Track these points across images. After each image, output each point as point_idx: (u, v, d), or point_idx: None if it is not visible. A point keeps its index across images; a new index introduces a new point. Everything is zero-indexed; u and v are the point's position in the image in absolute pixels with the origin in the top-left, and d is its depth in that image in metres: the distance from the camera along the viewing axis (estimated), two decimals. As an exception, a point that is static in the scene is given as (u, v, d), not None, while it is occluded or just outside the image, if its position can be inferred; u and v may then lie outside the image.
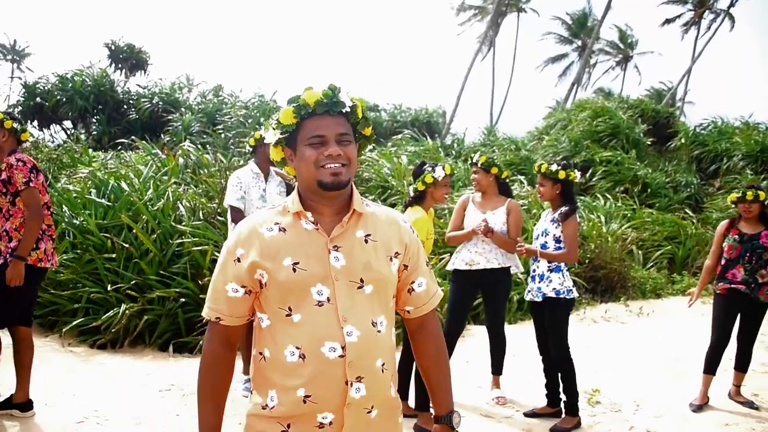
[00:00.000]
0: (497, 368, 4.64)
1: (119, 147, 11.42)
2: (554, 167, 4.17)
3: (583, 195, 12.19)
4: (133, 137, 12.20)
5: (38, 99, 13.52)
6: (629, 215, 11.02)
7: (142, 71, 16.61)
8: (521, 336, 6.13)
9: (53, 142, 12.81)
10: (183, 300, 5.97)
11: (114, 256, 6.27)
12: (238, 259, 1.59)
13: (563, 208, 4.15)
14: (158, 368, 5.23)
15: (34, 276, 3.82)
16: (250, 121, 12.43)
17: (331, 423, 1.55)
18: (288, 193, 4.86)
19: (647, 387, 5.01)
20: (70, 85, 13.51)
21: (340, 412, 1.55)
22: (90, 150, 10.98)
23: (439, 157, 13.32)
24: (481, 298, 4.74)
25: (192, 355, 5.74)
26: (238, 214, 4.60)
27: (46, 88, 13.70)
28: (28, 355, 3.85)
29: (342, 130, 1.59)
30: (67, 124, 14.12)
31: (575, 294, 4.14)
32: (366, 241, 1.62)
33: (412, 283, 1.71)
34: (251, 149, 4.83)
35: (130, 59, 16.22)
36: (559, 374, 4.18)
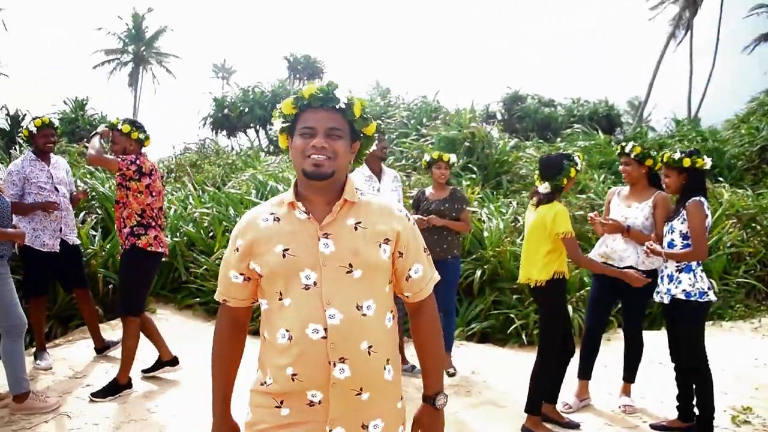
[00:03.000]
0: (629, 375, 4.27)
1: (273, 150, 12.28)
2: (677, 155, 3.76)
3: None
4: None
5: (226, 111, 15.07)
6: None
7: (318, 79, 17.74)
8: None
9: (232, 148, 14.18)
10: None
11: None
12: (237, 249, 1.72)
13: (694, 198, 3.71)
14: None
15: (147, 259, 4.26)
16: (412, 122, 12.70)
17: (320, 402, 1.63)
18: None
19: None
20: (251, 96, 14.90)
21: (326, 390, 1.62)
22: (263, 155, 11.95)
23: (610, 151, 12.57)
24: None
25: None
26: None
27: (231, 100, 15.24)
28: (130, 344, 4.22)
29: (332, 124, 1.67)
30: (251, 132, 15.56)
31: (711, 297, 3.67)
32: (356, 228, 1.69)
33: (409, 269, 1.76)
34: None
35: (307, 69, 17.45)
36: (694, 386, 3.76)
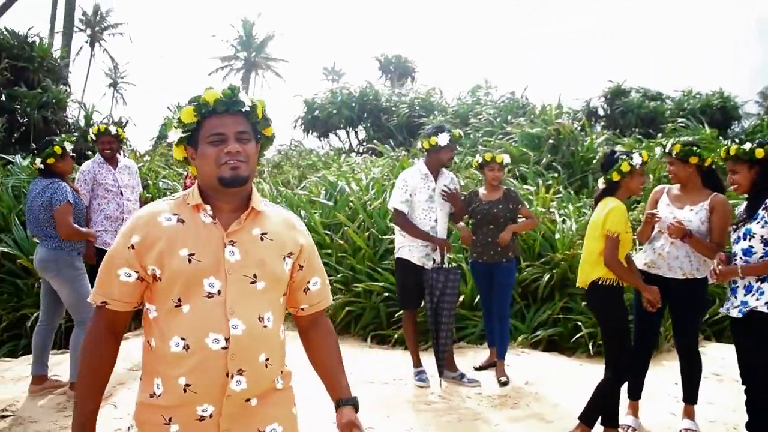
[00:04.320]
0: (689, 395, 3.86)
1: (370, 151, 12.33)
2: (748, 145, 3.33)
3: None
4: (390, 141, 13.08)
5: (316, 112, 15.38)
6: None
7: (410, 79, 17.77)
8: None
9: (322, 149, 14.46)
10: (387, 294, 6.21)
11: (330, 251, 6.79)
12: (132, 246, 1.61)
13: None
14: (348, 356, 5.48)
15: None
16: (498, 119, 12.35)
17: (211, 416, 1.59)
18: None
19: None
20: (339, 98, 15.10)
21: (219, 403, 1.59)
22: (353, 155, 12.06)
23: (717, 146, 11.56)
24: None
25: (389, 347, 5.94)
26: (401, 217, 4.60)
27: (321, 102, 15.52)
28: None
29: (241, 128, 1.65)
30: (342, 133, 15.78)
31: None
32: (262, 239, 1.68)
33: (308, 282, 1.78)
34: (425, 151, 4.77)
35: (398, 69, 17.48)
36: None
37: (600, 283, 3.56)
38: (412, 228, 4.56)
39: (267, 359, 1.63)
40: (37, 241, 4.33)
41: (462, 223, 4.96)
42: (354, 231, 6.76)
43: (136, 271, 1.62)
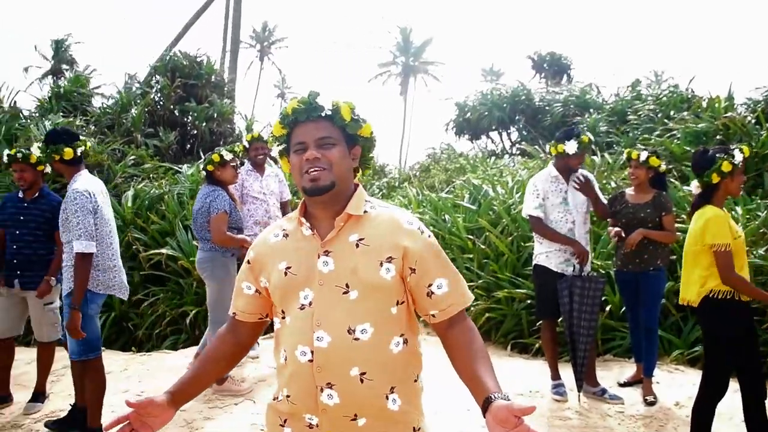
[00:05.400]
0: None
1: (521, 153, 12.02)
2: None
3: None
4: (540, 142, 12.68)
5: (467, 114, 15.31)
6: None
7: (566, 76, 17.06)
8: None
9: (474, 151, 14.34)
10: (529, 302, 6.03)
11: (472, 256, 6.74)
12: (249, 261, 1.72)
13: None
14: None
15: None
16: (659, 115, 11.47)
17: (318, 425, 1.58)
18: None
19: None
20: (489, 99, 14.90)
21: (318, 415, 1.57)
22: (492, 158, 11.87)
23: None
24: None
25: (529, 357, 5.76)
26: (538, 223, 4.45)
27: (472, 104, 15.42)
28: None
29: (322, 134, 1.60)
30: (495, 135, 15.57)
31: None
32: (357, 246, 1.59)
33: (429, 285, 1.60)
34: (554, 155, 4.58)
35: (552, 67, 16.86)
36: None
37: (711, 297, 3.25)
38: (550, 232, 4.40)
39: (363, 374, 1.54)
40: (197, 244, 4.74)
41: (617, 229, 4.63)
42: (497, 236, 6.65)
43: (253, 285, 1.70)
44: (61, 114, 10.17)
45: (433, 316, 1.62)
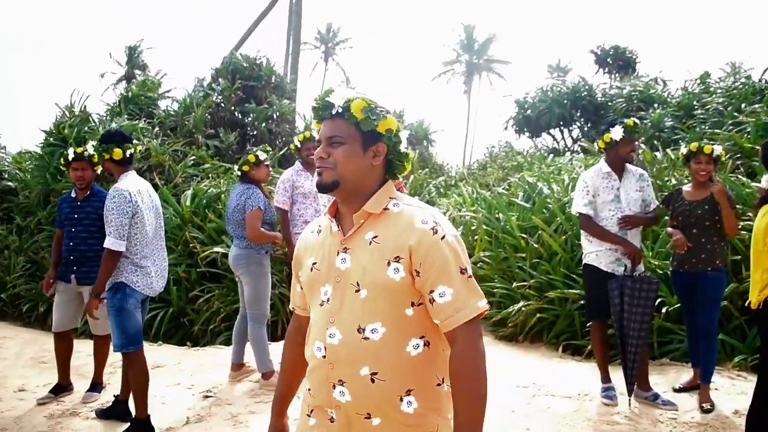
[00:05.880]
0: None
1: (582, 150, 11.67)
2: None
3: None
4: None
5: (528, 112, 15.01)
6: None
7: (631, 70, 16.43)
8: None
9: (532, 149, 14.04)
10: (582, 302, 5.85)
11: (525, 255, 6.60)
12: (294, 258, 1.77)
13: None
14: (535, 365, 5.30)
15: None
16: (729, 108, 10.91)
17: (336, 419, 1.61)
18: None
19: None
20: (549, 95, 14.56)
21: (335, 411, 1.60)
22: (550, 156, 11.60)
23: None
24: None
25: (581, 359, 5.60)
26: (587, 221, 4.31)
27: (532, 101, 15.11)
28: None
29: (331, 132, 1.61)
30: (557, 132, 15.18)
31: None
32: (371, 243, 1.57)
33: (431, 292, 1.52)
34: (604, 150, 4.44)
35: (617, 61, 16.29)
36: None
37: None
38: (599, 231, 4.25)
39: (374, 374, 1.52)
40: (231, 240, 4.83)
41: (672, 230, 4.44)
42: (550, 235, 6.49)
43: (298, 281, 1.77)
44: (126, 117, 10.56)
45: (438, 323, 1.55)
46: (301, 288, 1.74)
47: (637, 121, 4.39)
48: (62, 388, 4.64)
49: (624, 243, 4.20)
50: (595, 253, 4.32)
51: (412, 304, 1.55)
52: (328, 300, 1.59)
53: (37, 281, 8.05)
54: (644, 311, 4.06)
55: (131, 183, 3.77)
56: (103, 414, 4.10)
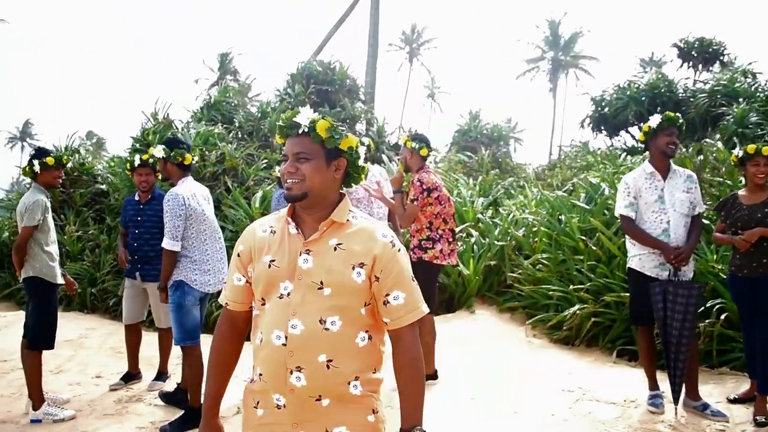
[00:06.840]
0: None
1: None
2: None
3: None
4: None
5: (605, 110, 14.56)
6: None
7: (718, 63, 15.55)
8: None
9: (611, 148, 13.60)
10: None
11: (582, 257, 6.51)
12: (238, 254, 1.92)
13: None
14: (584, 370, 5.24)
15: (430, 270, 4.57)
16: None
17: (285, 405, 1.78)
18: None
19: None
20: (627, 92, 14.06)
21: (287, 395, 1.76)
22: (623, 155, 11.26)
23: None
24: None
25: (636, 365, 5.47)
26: (628, 223, 4.23)
27: (608, 99, 14.63)
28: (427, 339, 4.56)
29: (298, 149, 1.80)
30: (634, 130, 14.64)
31: None
32: (335, 249, 1.79)
33: (387, 295, 1.79)
34: (643, 142, 4.35)
35: (702, 54, 15.48)
36: None
37: None
38: (639, 234, 4.18)
39: (329, 361, 1.73)
40: None
41: (721, 235, 4.31)
42: (609, 238, 6.37)
43: (243, 276, 1.90)
44: (204, 123, 11.13)
45: (386, 322, 1.82)
46: (249, 282, 1.87)
47: (679, 114, 4.25)
48: (131, 376, 5.03)
49: (663, 248, 4.09)
50: (638, 256, 4.24)
51: (365, 304, 1.80)
52: (288, 294, 1.76)
53: (122, 278, 8.66)
54: (684, 317, 3.96)
55: (186, 188, 4.07)
56: (165, 397, 4.47)
